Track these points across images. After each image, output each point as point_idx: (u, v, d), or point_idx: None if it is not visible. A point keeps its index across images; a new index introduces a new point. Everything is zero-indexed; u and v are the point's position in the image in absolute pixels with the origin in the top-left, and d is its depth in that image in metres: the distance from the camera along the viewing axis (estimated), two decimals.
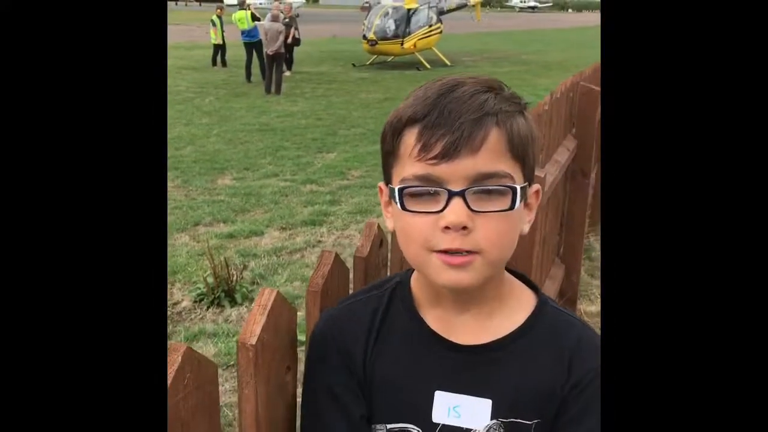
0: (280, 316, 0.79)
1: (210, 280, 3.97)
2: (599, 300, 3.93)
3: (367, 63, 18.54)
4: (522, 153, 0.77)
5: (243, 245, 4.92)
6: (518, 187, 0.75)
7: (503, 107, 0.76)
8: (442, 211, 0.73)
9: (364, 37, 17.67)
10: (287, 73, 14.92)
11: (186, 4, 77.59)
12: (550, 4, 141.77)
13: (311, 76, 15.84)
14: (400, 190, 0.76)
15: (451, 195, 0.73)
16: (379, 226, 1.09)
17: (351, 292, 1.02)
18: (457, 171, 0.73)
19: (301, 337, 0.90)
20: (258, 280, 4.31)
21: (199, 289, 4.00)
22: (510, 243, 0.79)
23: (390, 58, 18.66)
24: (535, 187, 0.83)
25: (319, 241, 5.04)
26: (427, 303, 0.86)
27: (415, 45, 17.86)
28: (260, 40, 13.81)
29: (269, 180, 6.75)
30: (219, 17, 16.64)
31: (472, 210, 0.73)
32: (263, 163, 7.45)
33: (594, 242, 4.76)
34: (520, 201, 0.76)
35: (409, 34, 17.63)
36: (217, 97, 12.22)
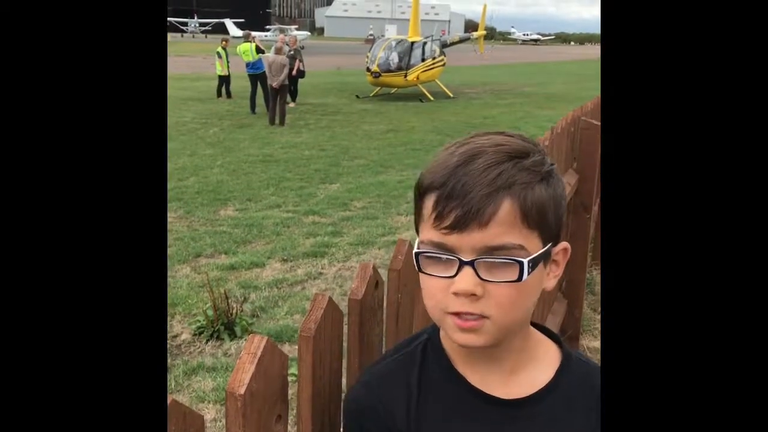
0: (270, 364, 0.77)
1: (210, 312, 3.95)
2: None
3: (371, 95, 18.70)
4: (539, 220, 0.78)
5: (244, 277, 4.90)
6: (525, 261, 0.77)
7: (519, 179, 0.77)
8: (453, 277, 0.77)
9: (368, 69, 17.85)
10: (291, 105, 15.06)
11: (193, 36, 78.80)
12: (553, 36, 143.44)
13: (315, 107, 15.97)
14: (417, 255, 0.80)
15: (462, 264, 0.77)
16: (374, 267, 1.07)
17: (345, 335, 1.00)
18: (467, 243, 0.76)
19: (292, 381, 0.89)
20: (258, 312, 4.28)
21: (199, 321, 3.98)
22: (522, 308, 0.81)
23: (393, 90, 18.82)
24: (563, 245, 0.85)
25: (321, 273, 5.02)
26: (460, 358, 0.88)
27: (418, 77, 18.03)
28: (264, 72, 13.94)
29: (272, 211, 6.75)
30: (224, 49, 16.86)
31: (482, 279, 0.77)
32: (266, 194, 7.47)
33: (596, 276, 4.73)
34: (529, 272, 0.77)
35: (413, 66, 17.81)
36: (221, 128, 12.31)
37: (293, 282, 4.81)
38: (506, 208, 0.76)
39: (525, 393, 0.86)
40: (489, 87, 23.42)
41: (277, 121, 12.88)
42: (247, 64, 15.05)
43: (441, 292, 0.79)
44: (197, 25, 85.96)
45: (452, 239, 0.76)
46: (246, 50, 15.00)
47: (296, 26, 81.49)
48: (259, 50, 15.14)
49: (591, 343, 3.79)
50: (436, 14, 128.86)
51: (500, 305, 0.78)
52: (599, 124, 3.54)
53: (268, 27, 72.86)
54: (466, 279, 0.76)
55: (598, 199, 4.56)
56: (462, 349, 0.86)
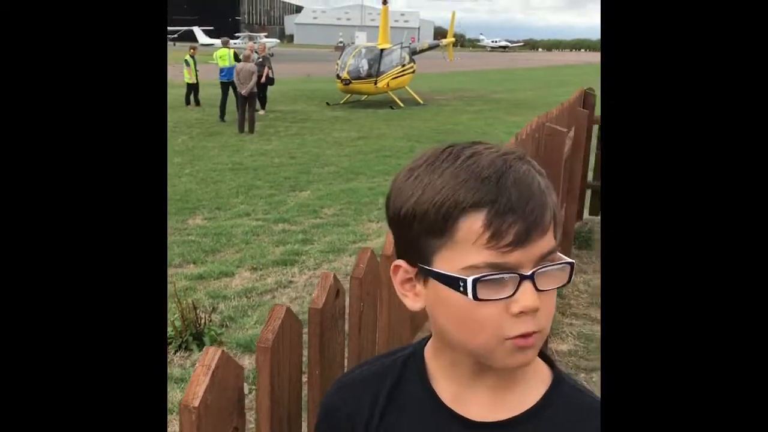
0: (225, 375, 0.76)
1: (178, 323, 3.90)
2: (570, 338, 3.93)
3: (341, 102, 18.70)
4: (558, 225, 0.77)
5: (213, 287, 4.85)
6: (573, 262, 0.75)
7: (547, 182, 0.76)
8: (512, 295, 0.72)
9: (338, 76, 17.86)
10: (261, 112, 14.97)
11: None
12: (521, 43, 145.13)
13: (285, 114, 15.91)
14: (474, 282, 0.72)
15: (522, 279, 0.72)
16: (335, 276, 1.07)
17: (306, 346, 1.00)
18: (530, 256, 0.72)
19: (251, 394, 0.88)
20: (227, 322, 4.24)
21: (167, 332, 3.93)
22: None
23: (364, 97, 18.85)
24: None
25: (291, 282, 5.00)
26: (441, 375, 0.83)
27: (388, 84, 18.09)
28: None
29: (241, 219, 6.70)
30: (192, 57, 16.71)
31: (539, 290, 0.73)
32: (235, 202, 7.41)
33: None
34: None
35: (383, 73, 17.86)
36: (190, 136, 12.19)
37: (263, 291, 4.77)
38: (549, 213, 0.74)
39: (506, 416, 0.81)
40: (458, 93, 23.60)
41: (246, 128, 12.81)
42: (222, 70, 14.93)
43: (498, 318, 0.73)
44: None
45: (515, 256, 0.71)
46: (223, 55, 14.90)
47: (266, 33, 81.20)
48: (236, 57, 14.98)
49: (559, 347, 3.83)
50: (406, 21, 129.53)
51: (549, 314, 0.75)
52: (564, 130, 3.59)
53: (237, 34, 72.42)
54: (530, 294, 0.72)
55: (565, 205, 4.62)
56: (447, 364, 0.82)
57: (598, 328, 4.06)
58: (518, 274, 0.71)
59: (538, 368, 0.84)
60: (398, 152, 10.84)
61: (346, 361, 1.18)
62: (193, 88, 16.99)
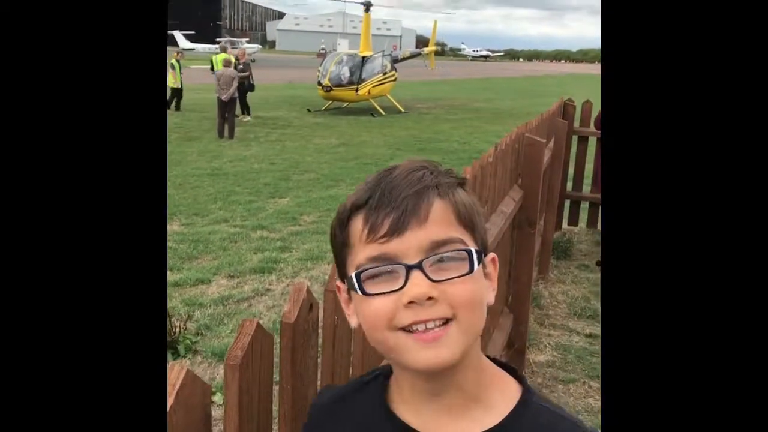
0: (191, 394, 0.73)
1: None
2: (548, 349, 3.93)
3: (323, 108, 18.68)
4: (470, 221, 0.77)
5: (189, 294, 4.79)
6: (473, 249, 0.75)
7: (441, 180, 0.77)
8: (402, 287, 0.72)
9: (320, 83, 17.84)
10: (248, 119, 14.94)
11: None
12: (502, 53, 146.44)
13: (265, 120, 15.84)
14: (357, 275, 0.74)
15: (409, 269, 0.72)
16: (308, 289, 1.05)
17: (276, 361, 0.97)
18: (410, 244, 0.72)
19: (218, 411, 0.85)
20: (203, 330, 4.18)
21: None
22: (480, 306, 0.76)
23: (345, 104, 18.84)
24: (491, 255, 0.82)
25: (268, 290, 4.95)
26: (399, 396, 0.81)
27: (369, 92, 18.11)
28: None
29: (219, 226, 6.63)
30: (178, 61, 16.61)
31: (433, 280, 0.72)
32: (213, 208, 7.34)
33: (542, 290, 4.80)
34: (479, 263, 0.75)
35: (364, 81, 17.88)
36: (168, 142, 12.02)
37: (240, 299, 4.72)
38: (439, 205, 0.74)
39: None
40: (440, 102, 23.70)
41: (225, 134, 12.72)
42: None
43: (391, 309, 0.72)
44: None
45: (393, 246, 0.72)
46: (220, 60, 14.90)
47: (247, 39, 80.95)
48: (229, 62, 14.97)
49: (537, 357, 3.83)
50: (388, 29, 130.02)
51: (461, 301, 0.73)
52: (543, 141, 3.60)
53: (218, 39, 72.18)
54: (418, 282, 0.71)
55: (544, 215, 4.64)
56: (405, 384, 0.79)
57: (576, 338, 4.07)
58: (403, 264, 0.72)
59: (505, 387, 0.81)
60: (379, 160, 10.84)
61: (319, 374, 1.15)
62: (176, 93, 16.87)
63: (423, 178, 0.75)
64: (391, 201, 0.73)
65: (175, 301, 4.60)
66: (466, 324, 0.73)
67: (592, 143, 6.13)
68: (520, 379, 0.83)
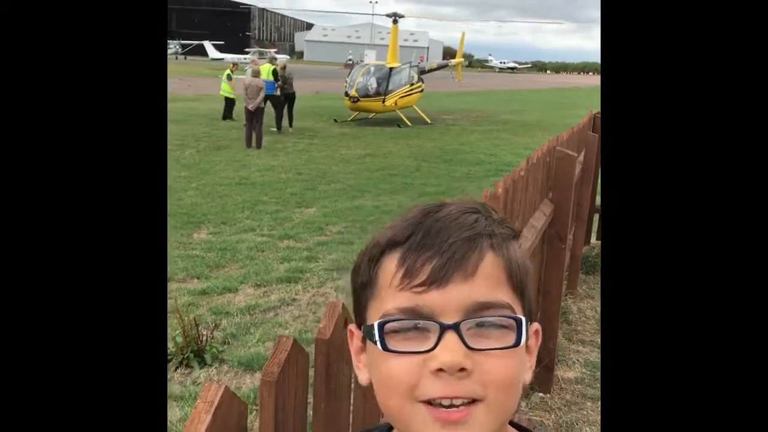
0: (228, 413, 0.72)
1: (179, 339, 3.85)
2: (577, 365, 3.87)
3: (349, 119, 18.75)
4: (521, 284, 0.66)
5: (216, 302, 4.81)
6: (523, 319, 0.63)
7: (496, 229, 0.66)
8: (432, 349, 0.61)
9: (347, 93, 17.92)
10: (290, 130, 15.56)
11: (176, 58, 78.47)
12: (529, 65, 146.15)
13: (293, 130, 15.96)
14: (381, 326, 0.63)
15: (444, 329, 0.61)
16: (343, 306, 1.03)
17: (312, 378, 0.96)
18: (450, 300, 0.61)
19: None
20: (229, 339, 4.19)
21: (168, 349, 3.88)
22: (517, 388, 0.64)
23: (371, 115, 18.90)
24: (535, 326, 0.70)
25: (294, 299, 4.95)
26: None
27: (396, 103, 18.14)
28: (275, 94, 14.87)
29: (246, 235, 6.67)
30: (233, 72, 17.15)
31: (470, 347, 0.61)
32: (241, 217, 7.39)
33: (571, 305, 4.73)
34: (526, 334, 0.64)
35: (391, 92, 17.92)
36: (197, 150, 12.22)
37: (266, 308, 4.73)
38: (491, 259, 0.63)
39: None
40: (466, 114, 23.66)
41: (253, 143, 12.83)
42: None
43: (414, 374, 0.61)
44: (179, 47, 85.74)
45: (430, 299, 0.61)
46: (267, 71, 15.51)
47: (275, 50, 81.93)
48: (275, 74, 15.58)
49: (566, 374, 3.77)
50: (415, 41, 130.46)
51: (495, 381, 0.61)
52: (575, 154, 3.56)
53: (247, 50, 73.06)
54: (452, 347, 0.60)
55: (574, 229, 4.58)
56: None
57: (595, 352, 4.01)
58: (438, 322, 0.61)
59: None
60: (405, 171, 10.83)
61: (352, 393, 1.13)
62: (231, 103, 17.24)
63: (476, 224, 0.65)
64: (435, 244, 0.63)
65: (202, 309, 4.63)
66: (497, 406, 0.62)
67: None
68: None
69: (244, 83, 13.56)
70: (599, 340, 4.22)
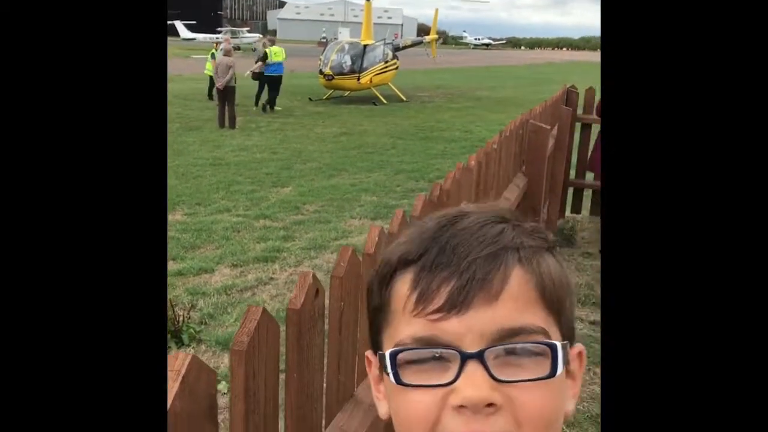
0: (196, 381, 0.72)
1: None
2: None
3: (324, 97, 18.62)
4: (558, 303, 0.58)
5: (192, 283, 4.78)
6: (558, 344, 0.55)
7: (525, 241, 0.57)
8: (453, 382, 0.54)
9: (321, 72, 17.76)
10: (278, 108, 15.65)
11: None
12: (504, 41, 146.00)
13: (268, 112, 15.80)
14: (393, 356, 0.56)
15: (465, 358, 0.53)
16: (314, 275, 1.03)
17: (282, 349, 0.96)
18: (472, 327, 0.54)
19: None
20: (206, 319, 4.18)
21: None
22: (558, 424, 0.57)
23: (346, 93, 18.78)
24: (578, 348, 0.62)
25: (272, 279, 4.94)
26: None
27: (371, 80, 18.03)
28: (280, 75, 15.56)
29: (221, 215, 6.62)
30: (216, 51, 17.07)
31: (496, 379, 0.53)
32: (216, 197, 7.33)
33: None
34: (563, 364, 0.56)
35: (365, 69, 17.80)
36: (170, 131, 12.04)
37: (243, 288, 4.71)
38: (519, 276, 0.55)
39: None
40: (441, 91, 23.60)
41: (226, 123, 12.69)
42: (270, 65, 15.73)
43: (432, 411, 0.54)
44: None
45: (449, 326, 0.54)
46: (278, 52, 15.78)
47: (248, 29, 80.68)
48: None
49: None
50: (389, 18, 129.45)
51: (532, 418, 0.53)
52: (548, 127, 3.57)
53: (219, 29, 71.85)
54: (476, 380, 0.53)
55: (548, 202, 4.61)
56: None
57: (580, 325, 4.06)
58: (458, 351, 0.54)
59: None
60: (381, 149, 10.80)
61: (326, 362, 1.14)
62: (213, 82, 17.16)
63: (501, 236, 0.56)
64: (453, 262, 0.55)
65: (178, 290, 4.60)
66: None
67: (596, 130, 6.10)
68: None
69: (215, 62, 13.39)
70: (575, 311, 4.27)
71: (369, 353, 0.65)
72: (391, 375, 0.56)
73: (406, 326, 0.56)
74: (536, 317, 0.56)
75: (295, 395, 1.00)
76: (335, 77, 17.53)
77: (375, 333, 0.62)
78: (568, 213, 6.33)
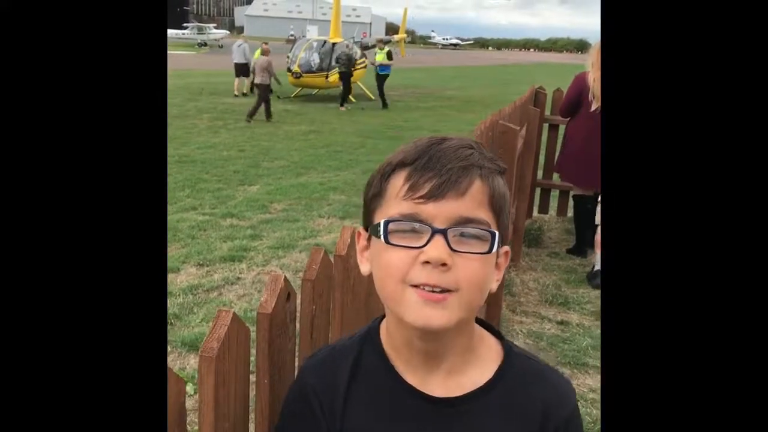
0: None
1: None
2: (520, 336, 3.95)
3: (292, 95, 18.49)
4: (499, 209, 0.81)
5: None
6: (497, 233, 0.80)
7: (486, 164, 0.81)
8: (423, 246, 0.77)
9: (289, 69, 17.63)
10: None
11: None
12: (472, 41, 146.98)
13: (234, 107, 15.62)
14: (386, 224, 0.79)
15: (434, 232, 0.77)
16: (285, 279, 1.01)
17: (253, 354, 0.93)
18: (442, 211, 0.77)
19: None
20: (172, 320, 4.10)
21: None
22: (485, 288, 0.82)
23: (315, 91, 18.67)
24: (505, 248, 0.86)
25: (239, 278, 4.87)
26: (397, 356, 0.87)
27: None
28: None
29: (187, 214, 6.52)
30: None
31: (453, 249, 0.77)
32: (181, 196, 7.21)
33: (514, 277, 4.82)
34: (497, 247, 0.80)
35: (334, 67, 17.73)
36: None
37: (209, 288, 4.64)
38: (478, 185, 0.79)
39: (464, 392, 0.85)
40: (410, 90, 23.63)
41: (262, 116, 12.51)
42: (381, 66, 16.83)
43: (408, 264, 0.77)
44: None
45: (427, 208, 0.77)
46: (382, 56, 16.82)
47: (215, 25, 79.69)
48: (389, 55, 17.38)
49: None
50: (358, 16, 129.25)
51: (468, 278, 0.77)
52: (517, 128, 3.59)
53: (185, 25, 70.89)
54: (438, 247, 0.76)
55: (516, 202, 4.65)
56: (402, 346, 0.85)
57: (548, 325, 4.10)
58: (430, 226, 0.77)
59: (491, 345, 0.91)
60: (349, 147, 10.77)
61: (296, 366, 1.11)
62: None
63: (471, 156, 0.80)
64: (436, 167, 0.78)
65: None
66: (467, 300, 0.79)
67: (563, 131, 6.16)
68: (497, 334, 0.93)
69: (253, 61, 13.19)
70: (542, 311, 4.31)
71: (360, 229, 0.89)
72: (382, 236, 0.79)
73: (396, 206, 0.80)
74: (485, 214, 0.80)
75: (266, 401, 0.98)
76: (303, 75, 17.43)
77: (368, 214, 0.85)
78: (535, 213, 6.38)
